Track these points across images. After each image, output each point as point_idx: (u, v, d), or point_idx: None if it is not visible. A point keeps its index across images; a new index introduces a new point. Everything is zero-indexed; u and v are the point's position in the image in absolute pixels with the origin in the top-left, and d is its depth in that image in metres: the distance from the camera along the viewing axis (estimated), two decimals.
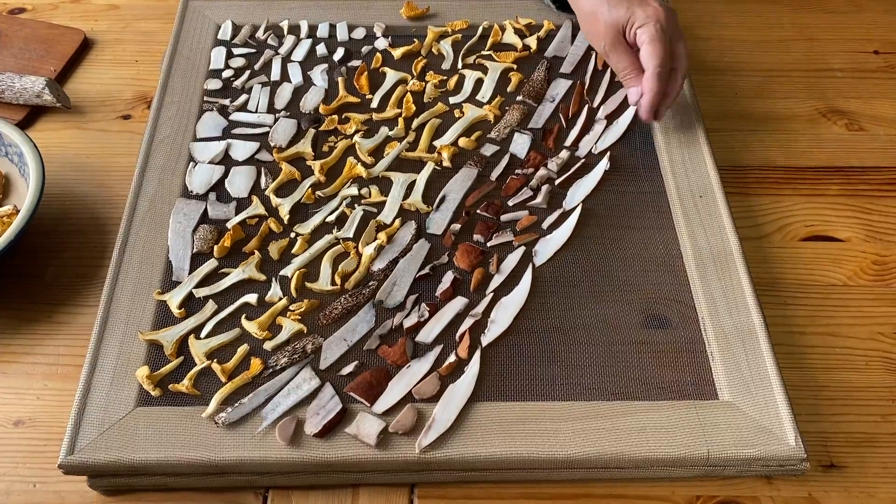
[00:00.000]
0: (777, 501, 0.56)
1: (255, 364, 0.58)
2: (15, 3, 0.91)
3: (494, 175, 0.72)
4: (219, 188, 0.70)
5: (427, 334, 0.61)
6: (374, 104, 0.78)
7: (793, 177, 0.76)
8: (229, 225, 0.67)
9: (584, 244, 0.67)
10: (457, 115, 0.77)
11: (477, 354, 0.59)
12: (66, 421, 0.55)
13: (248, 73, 0.80)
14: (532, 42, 0.83)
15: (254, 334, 0.61)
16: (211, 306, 0.62)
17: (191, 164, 0.72)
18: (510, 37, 0.84)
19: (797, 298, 0.67)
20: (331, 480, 0.56)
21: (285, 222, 0.68)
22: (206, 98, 0.77)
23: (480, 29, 0.84)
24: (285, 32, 0.84)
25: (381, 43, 0.83)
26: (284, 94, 0.78)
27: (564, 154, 0.73)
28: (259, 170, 0.72)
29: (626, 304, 0.63)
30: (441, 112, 0.77)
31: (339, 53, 0.82)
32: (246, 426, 0.55)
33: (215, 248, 0.65)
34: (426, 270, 0.65)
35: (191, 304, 0.62)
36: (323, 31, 0.84)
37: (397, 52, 0.82)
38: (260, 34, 0.84)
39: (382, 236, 0.66)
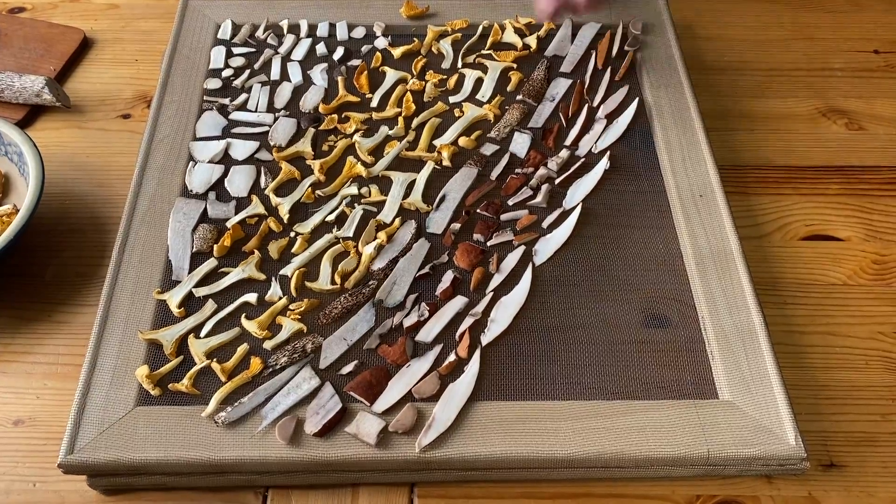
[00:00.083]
0: (777, 501, 0.56)
1: (255, 363, 0.58)
2: (14, 2, 0.91)
3: (494, 174, 0.72)
4: (218, 187, 0.70)
5: (427, 333, 0.61)
6: (374, 103, 0.78)
7: (793, 176, 0.76)
8: (229, 224, 0.67)
9: (583, 243, 0.67)
10: (457, 115, 0.77)
11: (477, 354, 0.59)
12: (65, 420, 0.55)
13: (247, 72, 0.80)
14: (532, 41, 0.83)
15: (253, 333, 0.61)
16: (211, 305, 0.62)
17: (190, 163, 0.72)
18: (510, 36, 0.84)
19: (797, 298, 0.67)
20: (330, 480, 0.56)
21: (285, 221, 0.68)
22: (205, 97, 0.77)
23: (480, 28, 0.84)
24: (285, 32, 0.84)
25: (381, 42, 0.83)
26: (284, 93, 0.78)
27: (564, 153, 0.73)
28: (259, 169, 0.72)
29: (626, 304, 0.63)
30: (441, 111, 0.77)
31: (339, 53, 0.82)
32: (246, 425, 0.55)
33: (215, 247, 0.65)
34: (426, 270, 0.65)
35: (190, 304, 0.62)
36: (323, 30, 0.84)
37: (397, 52, 0.82)
38: (260, 33, 0.84)
39: (382, 235, 0.66)
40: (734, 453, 0.54)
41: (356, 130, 0.75)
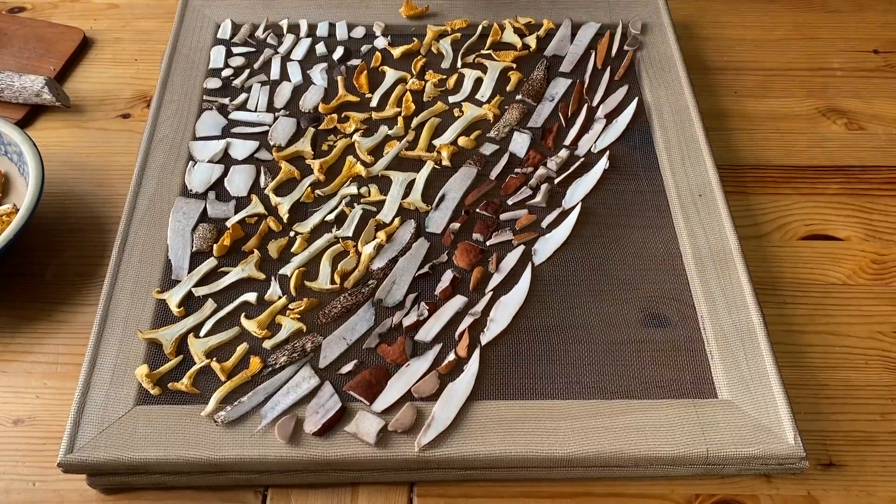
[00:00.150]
0: (776, 500, 0.56)
1: (255, 363, 0.58)
2: (14, 1, 0.92)
3: (494, 174, 0.72)
4: (218, 187, 0.70)
5: (426, 333, 0.61)
6: (374, 103, 0.78)
7: (792, 176, 0.76)
8: (229, 224, 0.67)
9: (583, 243, 0.67)
10: (456, 114, 0.77)
11: (476, 353, 0.60)
12: (65, 419, 0.55)
13: (247, 71, 0.80)
14: (531, 41, 0.83)
15: (253, 333, 0.61)
16: (210, 305, 0.62)
17: (190, 162, 0.72)
18: (509, 36, 0.84)
19: (796, 297, 0.67)
20: (330, 479, 0.56)
21: (285, 221, 0.68)
22: (205, 97, 0.77)
23: (480, 28, 0.84)
24: (285, 31, 0.84)
25: (381, 42, 0.83)
26: (284, 92, 0.78)
27: (564, 153, 0.73)
28: (258, 169, 0.72)
29: (626, 303, 0.63)
30: (440, 111, 0.77)
31: (339, 52, 0.82)
32: (245, 425, 0.55)
33: (215, 246, 0.65)
34: (425, 269, 0.65)
35: (190, 303, 0.62)
36: (322, 29, 0.84)
37: (397, 51, 0.82)
38: (259, 33, 0.84)
39: (382, 235, 0.66)
40: (733, 452, 0.54)
41: (356, 130, 0.75)
